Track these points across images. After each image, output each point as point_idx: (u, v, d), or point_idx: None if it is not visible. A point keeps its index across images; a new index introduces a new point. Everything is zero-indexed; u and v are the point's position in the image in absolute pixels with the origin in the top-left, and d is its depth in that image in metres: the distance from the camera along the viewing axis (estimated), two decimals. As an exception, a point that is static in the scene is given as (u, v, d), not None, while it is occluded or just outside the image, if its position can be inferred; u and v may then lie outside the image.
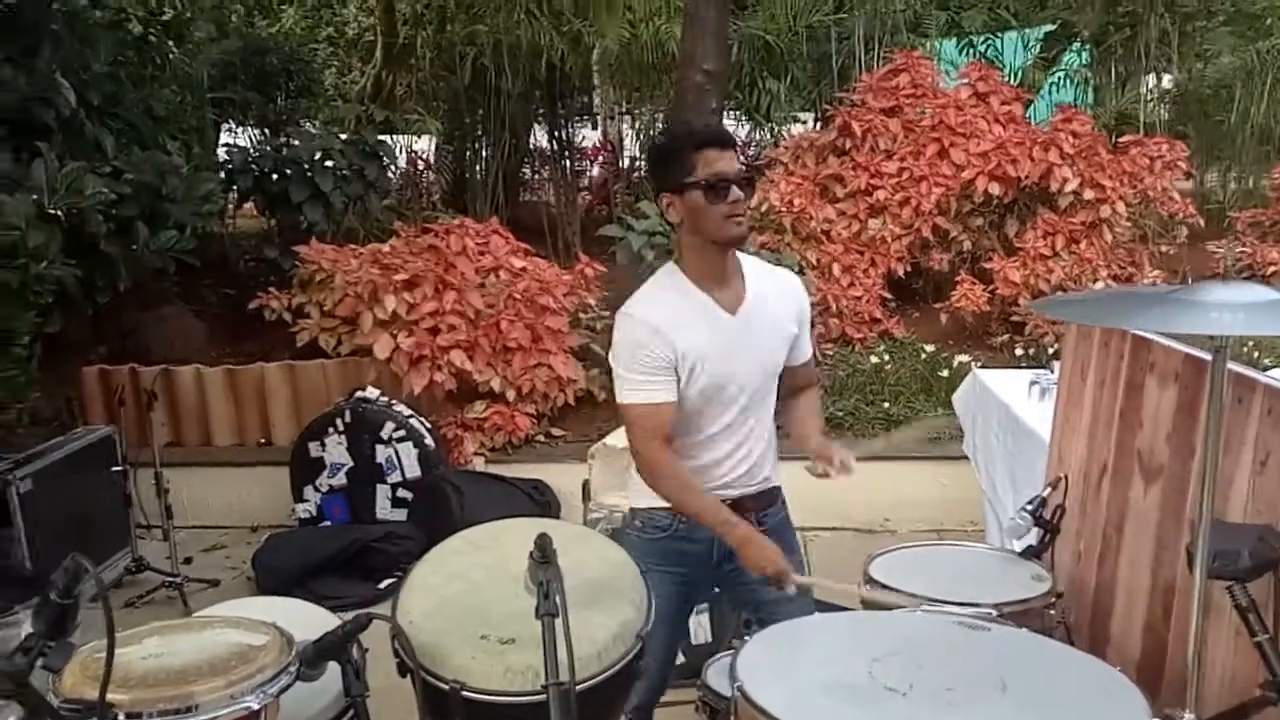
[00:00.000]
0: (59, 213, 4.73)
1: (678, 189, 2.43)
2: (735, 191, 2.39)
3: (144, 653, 1.86)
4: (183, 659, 1.84)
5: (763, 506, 2.64)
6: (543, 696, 1.76)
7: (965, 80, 6.98)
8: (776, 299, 2.58)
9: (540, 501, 5.21)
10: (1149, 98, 8.15)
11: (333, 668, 1.96)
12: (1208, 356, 2.55)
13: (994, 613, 2.53)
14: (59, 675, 1.69)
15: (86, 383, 5.90)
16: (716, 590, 2.87)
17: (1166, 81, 8.61)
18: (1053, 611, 2.66)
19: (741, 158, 2.39)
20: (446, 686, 1.88)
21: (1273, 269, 6.46)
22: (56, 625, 1.56)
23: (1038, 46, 8.43)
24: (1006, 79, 7.51)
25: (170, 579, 4.73)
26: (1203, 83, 8.39)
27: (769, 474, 2.66)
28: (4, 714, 1.67)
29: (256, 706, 1.78)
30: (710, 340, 2.46)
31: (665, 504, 2.52)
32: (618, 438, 2.69)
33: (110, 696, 1.58)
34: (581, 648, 1.82)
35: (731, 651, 2.16)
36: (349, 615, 2.01)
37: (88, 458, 4.90)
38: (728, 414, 2.52)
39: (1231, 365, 2.12)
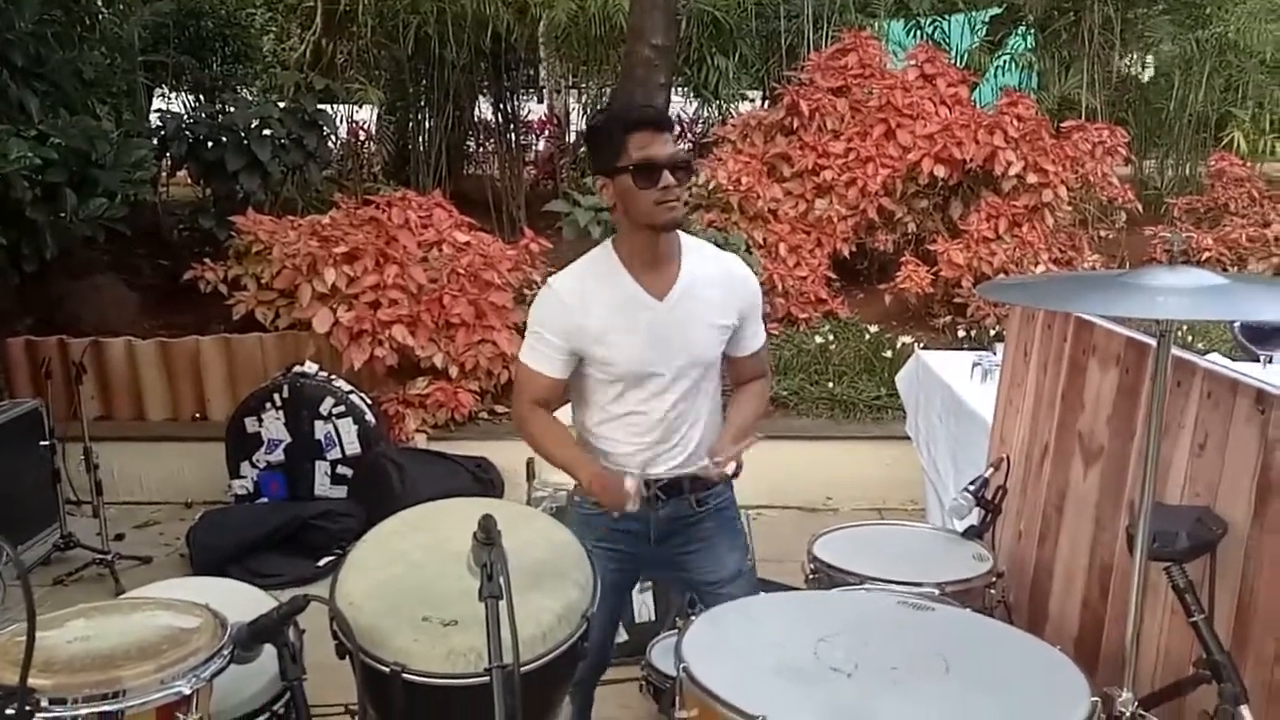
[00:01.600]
0: (-19, 177, 4.56)
1: (609, 171, 2.38)
2: (667, 177, 2.33)
3: (69, 636, 1.79)
4: (110, 642, 1.77)
5: (703, 488, 2.59)
6: (486, 679, 1.73)
7: (912, 62, 7.01)
8: (716, 288, 2.52)
9: (483, 479, 5.16)
10: (1142, 74, 8.19)
11: (269, 649, 1.91)
12: (1150, 340, 2.59)
13: (937, 592, 2.56)
14: (-24, 660, 1.62)
15: (12, 354, 5.70)
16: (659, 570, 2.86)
17: (1150, 65, 8.67)
18: (993, 591, 2.70)
19: (688, 137, 2.36)
20: (387, 669, 1.84)
21: (1207, 255, 6.60)
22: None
23: (984, 29, 8.49)
24: (953, 61, 7.56)
25: (101, 556, 4.60)
26: (1143, 70, 8.53)
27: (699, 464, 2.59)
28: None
29: (188, 691, 1.73)
30: (628, 328, 2.43)
31: None
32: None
33: (32, 681, 1.51)
34: (526, 629, 1.79)
35: (676, 631, 2.14)
36: (285, 595, 1.96)
37: (13, 431, 4.74)
38: (659, 401, 2.49)
39: (1172, 350, 2.14)
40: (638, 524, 2.53)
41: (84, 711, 1.66)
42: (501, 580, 1.73)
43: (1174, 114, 8.25)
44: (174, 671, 1.73)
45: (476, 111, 8.99)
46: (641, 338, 2.44)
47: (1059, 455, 2.96)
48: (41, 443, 4.76)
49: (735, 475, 2.50)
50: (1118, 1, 7.91)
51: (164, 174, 7.01)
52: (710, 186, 6.50)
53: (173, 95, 8.37)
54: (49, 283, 6.04)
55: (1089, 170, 6.55)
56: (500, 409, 5.60)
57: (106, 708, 1.67)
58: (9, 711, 1.50)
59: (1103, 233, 6.97)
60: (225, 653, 1.81)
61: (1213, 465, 2.30)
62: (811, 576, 2.79)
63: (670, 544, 2.61)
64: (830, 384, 5.74)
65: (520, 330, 5.62)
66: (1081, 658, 2.02)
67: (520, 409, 2.56)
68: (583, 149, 9.02)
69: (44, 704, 1.62)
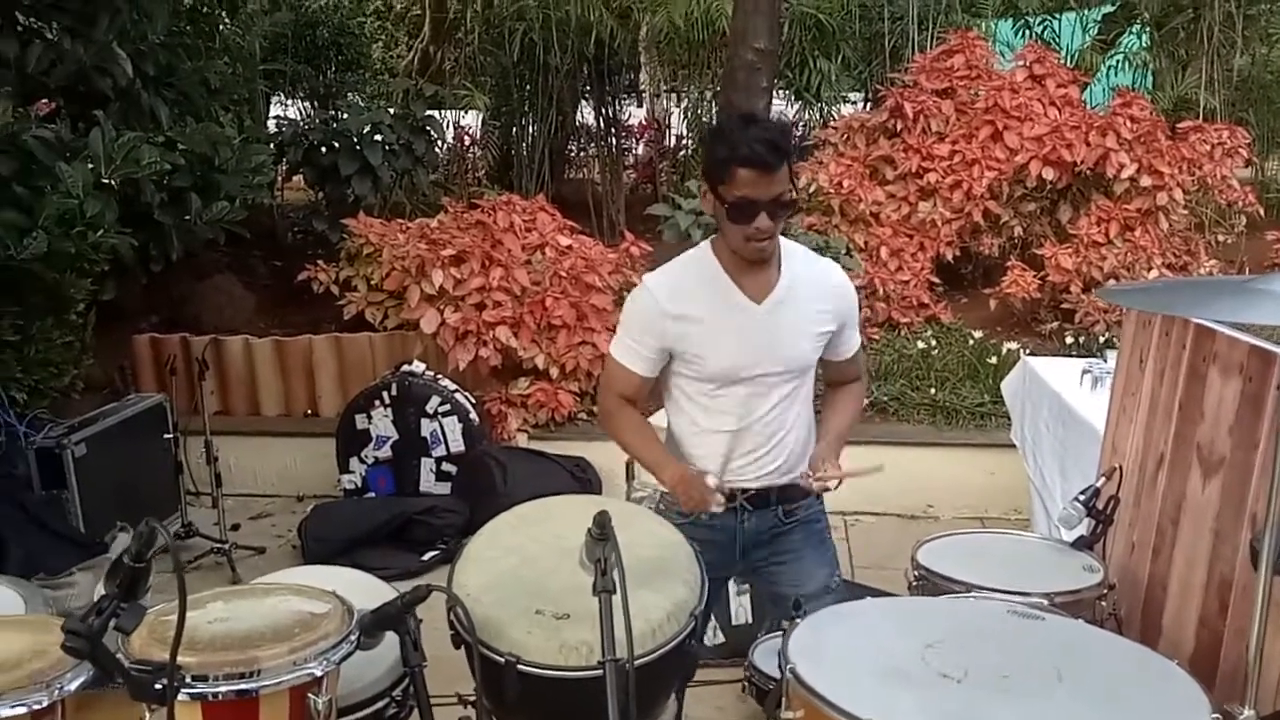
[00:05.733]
0: (114, 182, 4.78)
1: (713, 191, 2.39)
2: (763, 219, 2.32)
3: (209, 617, 1.89)
4: (247, 624, 1.87)
5: (790, 501, 2.58)
6: (597, 672, 1.77)
7: (1021, 62, 6.85)
8: (815, 294, 2.52)
9: (582, 479, 5.23)
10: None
11: (390, 637, 1.98)
12: (1274, 348, 2.50)
13: (1046, 602, 2.52)
14: (128, 637, 1.72)
15: (139, 351, 5.99)
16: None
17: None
18: (1104, 603, 2.64)
19: (790, 174, 2.29)
20: (502, 660, 1.90)
21: (1332, 261, 6.31)
22: (129, 588, 1.60)
23: (1096, 28, 8.25)
24: (1063, 61, 7.36)
25: (219, 545, 4.81)
26: (1266, 68, 8.18)
27: (800, 469, 2.58)
28: (77, 673, 1.71)
29: (319, 673, 1.81)
30: (722, 329, 2.43)
31: None
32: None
33: (178, 659, 1.60)
34: (636, 625, 1.82)
35: (778, 633, 2.15)
36: (401, 586, 2.04)
37: (140, 424, 4.99)
38: (751, 405, 2.48)
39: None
40: (723, 534, 2.52)
41: (223, 689, 1.76)
42: (615, 575, 1.77)
43: (1299, 113, 7.91)
44: (306, 654, 1.81)
45: (578, 116, 9.11)
46: (736, 339, 2.44)
47: (1175, 465, 2.88)
48: (165, 435, 5.00)
49: (824, 486, 2.48)
50: (1239, -3, 7.61)
51: (280, 178, 7.26)
52: (811, 189, 6.47)
53: (289, 102, 8.68)
54: (172, 283, 6.31)
55: (1207, 172, 6.31)
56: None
57: (244, 686, 1.76)
58: (158, 686, 1.60)
59: (1220, 237, 6.72)
60: (353, 638, 1.89)
61: (1343, 479, 2.22)
62: (916, 584, 2.76)
63: (755, 556, 2.59)
64: (932, 390, 5.66)
65: (621, 333, 5.71)
66: (1197, 675, 1.97)
67: (607, 403, 2.58)
68: (682, 153, 9.07)
69: (188, 680, 1.72)
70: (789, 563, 2.61)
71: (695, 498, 2.37)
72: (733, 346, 2.44)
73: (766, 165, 2.30)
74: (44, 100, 5.49)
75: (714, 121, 7.74)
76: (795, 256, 2.53)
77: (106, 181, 4.71)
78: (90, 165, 4.67)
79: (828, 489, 2.48)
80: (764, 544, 2.57)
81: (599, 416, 2.66)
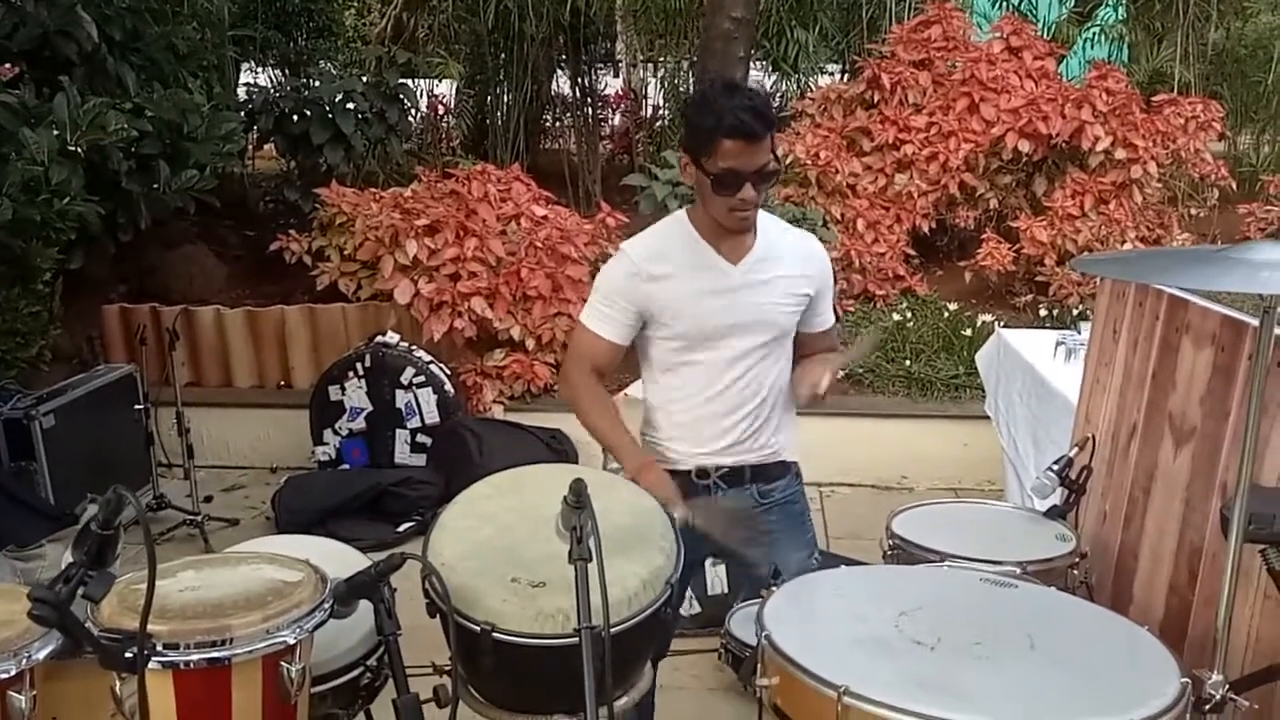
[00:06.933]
0: (80, 149, 4.70)
1: (694, 159, 2.36)
2: (748, 189, 2.31)
3: (180, 585, 1.87)
4: (219, 593, 1.85)
5: (766, 480, 2.58)
6: (573, 640, 1.77)
7: (998, 34, 6.85)
8: (792, 258, 2.52)
9: (558, 450, 5.22)
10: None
11: (364, 605, 1.97)
12: (1246, 318, 2.52)
13: (1018, 571, 2.53)
14: (98, 605, 1.70)
15: (108, 321, 5.92)
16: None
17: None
18: (1076, 572, 2.66)
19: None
20: (478, 628, 1.89)
21: (1303, 234, 6.37)
22: (97, 556, 1.57)
23: (1072, 0, 8.25)
24: (1040, 33, 7.36)
25: (191, 517, 4.78)
26: (1240, 42, 8.21)
27: (777, 446, 2.59)
28: (45, 641, 1.69)
29: (292, 641, 1.80)
30: (702, 288, 2.42)
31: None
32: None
33: (149, 627, 1.59)
34: (613, 593, 1.82)
35: (754, 601, 2.16)
36: (376, 558, 2.03)
37: (109, 395, 4.94)
38: (726, 370, 2.47)
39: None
40: None
41: (195, 657, 1.74)
42: (591, 544, 1.77)
43: (1272, 88, 7.94)
44: (279, 622, 1.80)
45: (554, 86, 9.03)
46: (711, 298, 2.42)
47: (1148, 435, 2.90)
48: (135, 406, 4.95)
49: (821, 399, 2.45)
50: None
51: (250, 147, 7.17)
52: (788, 161, 6.45)
53: (259, 69, 8.55)
54: (141, 252, 6.23)
55: (1181, 146, 6.34)
56: (576, 382, 5.65)
57: (216, 654, 1.74)
58: (128, 655, 1.58)
59: (1193, 211, 6.76)
60: (326, 606, 1.88)
61: (1312, 447, 2.24)
62: (890, 553, 2.77)
63: (731, 537, 2.53)
64: (907, 361, 5.68)
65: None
66: (1166, 641, 1.99)
67: (572, 374, 2.54)
68: (659, 123, 9.02)
69: (159, 648, 1.70)
70: (765, 545, 2.59)
71: (659, 492, 2.32)
72: (707, 304, 2.42)
73: (753, 135, 2.27)
74: (6, 65, 5.38)
75: (693, 92, 7.67)
76: (770, 225, 2.53)
77: (72, 148, 4.65)
78: (55, 131, 4.59)
79: (818, 395, 2.43)
80: (739, 525, 2.52)
81: (561, 387, 2.62)
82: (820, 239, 2.78)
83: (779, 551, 2.61)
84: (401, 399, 5.20)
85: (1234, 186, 6.80)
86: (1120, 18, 8.10)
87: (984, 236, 6.33)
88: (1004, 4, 8.04)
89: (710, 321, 2.44)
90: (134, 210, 5.37)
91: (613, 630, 1.84)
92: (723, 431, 2.51)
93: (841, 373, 2.56)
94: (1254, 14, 8.19)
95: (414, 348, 5.33)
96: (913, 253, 6.54)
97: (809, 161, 6.42)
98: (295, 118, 6.45)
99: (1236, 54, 8.17)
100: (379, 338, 5.36)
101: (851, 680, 1.74)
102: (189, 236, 6.67)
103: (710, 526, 2.36)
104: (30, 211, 4.44)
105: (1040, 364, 4.09)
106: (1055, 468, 2.94)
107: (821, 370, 2.46)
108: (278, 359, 5.94)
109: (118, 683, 1.77)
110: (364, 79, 6.90)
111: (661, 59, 9.05)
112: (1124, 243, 6.10)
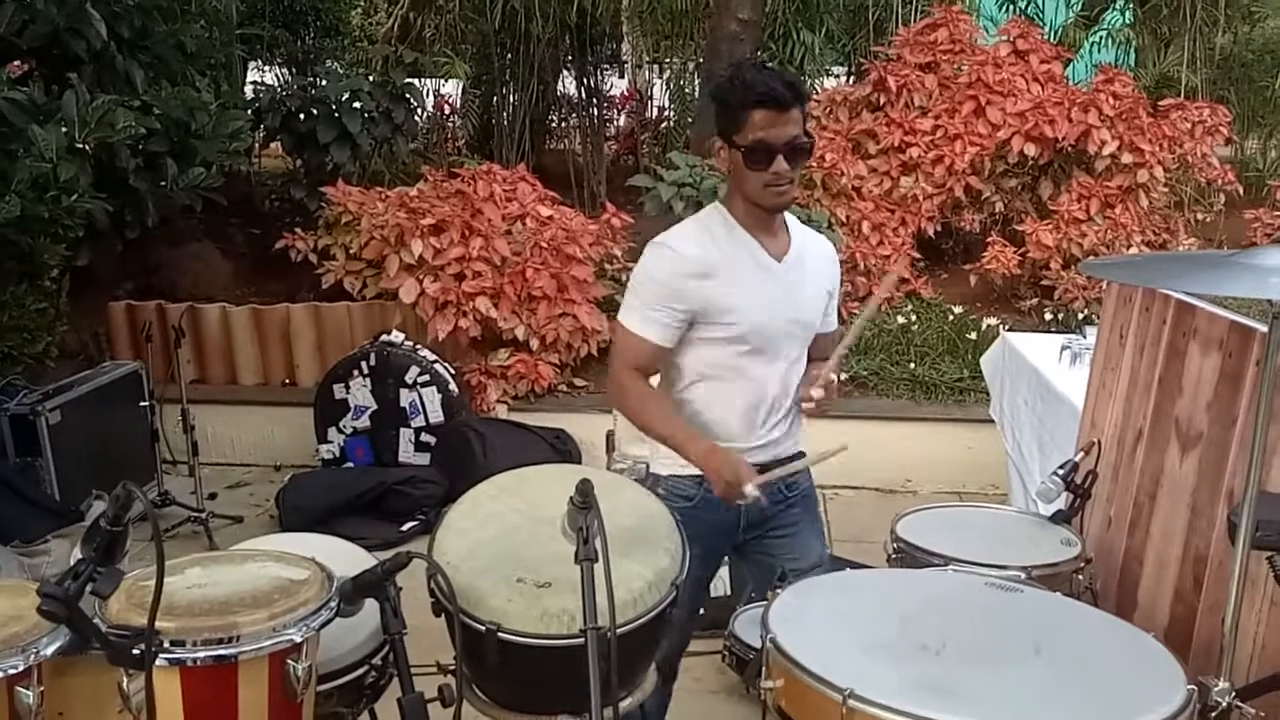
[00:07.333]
0: (88, 146, 4.70)
1: (727, 140, 2.35)
2: (780, 162, 2.27)
3: (187, 583, 1.88)
4: (225, 590, 1.85)
5: (792, 473, 2.54)
6: (578, 640, 1.77)
7: (1005, 37, 6.84)
8: (817, 259, 2.53)
9: (561, 450, 5.23)
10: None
11: (370, 604, 1.97)
12: (1254, 324, 2.52)
13: (1023, 575, 2.53)
14: (106, 601, 1.71)
15: (114, 318, 5.93)
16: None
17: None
18: (1081, 577, 2.66)
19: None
20: (483, 628, 1.89)
21: (1310, 240, 6.36)
22: (106, 552, 1.58)
23: (1079, 4, 8.25)
24: (1047, 37, 7.36)
25: (195, 514, 4.79)
26: (1247, 46, 8.20)
27: (795, 441, 2.58)
28: (54, 637, 1.69)
29: (299, 639, 1.80)
30: (751, 286, 2.37)
31: (691, 471, 2.40)
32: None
33: (157, 624, 1.59)
34: (617, 594, 1.81)
35: (760, 604, 2.16)
36: (380, 556, 2.03)
37: (115, 392, 4.95)
38: (771, 368, 2.44)
39: None
40: (729, 514, 2.44)
41: (202, 654, 1.74)
42: (597, 544, 1.77)
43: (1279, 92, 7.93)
44: (285, 620, 1.80)
45: (560, 86, 9.03)
46: (766, 297, 2.38)
47: (1154, 441, 2.90)
48: (141, 403, 4.96)
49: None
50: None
51: (257, 145, 7.18)
52: (794, 163, 6.44)
53: (267, 68, 8.56)
54: (148, 250, 6.24)
55: (1188, 150, 6.33)
56: (579, 382, 5.66)
57: (223, 651, 1.75)
58: (136, 651, 1.58)
59: (1200, 215, 6.76)
60: (332, 604, 1.88)
61: (1319, 454, 2.24)
62: (894, 556, 2.77)
63: (757, 531, 2.54)
64: (912, 364, 5.68)
65: (601, 305, 5.69)
66: (1171, 648, 1.99)
67: (620, 377, 2.40)
68: (664, 124, 9.02)
69: (166, 645, 1.70)
70: (789, 537, 2.57)
71: (729, 477, 2.25)
72: (763, 303, 2.38)
73: (783, 102, 2.26)
74: (16, 62, 5.38)
75: (703, 88, 7.62)
76: (793, 222, 2.53)
77: (80, 145, 4.64)
78: (64, 129, 4.58)
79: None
80: (767, 519, 2.52)
81: (610, 393, 2.49)
82: (825, 240, 2.79)
83: (800, 542, 2.60)
84: (406, 398, 5.20)
85: (1240, 191, 6.79)
86: (1127, 21, 8.12)
87: (989, 240, 6.32)
88: (1011, 7, 8.05)
89: (765, 321, 2.39)
90: (141, 208, 5.37)
91: (618, 632, 1.84)
92: (763, 429, 2.48)
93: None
94: (1262, 19, 8.18)
95: (419, 347, 5.33)
96: (918, 256, 6.53)
97: (815, 163, 6.41)
98: (302, 116, 6.46)
99: (1244, 58, 8.15)
100: (384, 337, 5.36)
101: (857, 684, 1.75)
102: (195, 234, 6.68)
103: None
104: (38, 208, 4.44)
105: (1045, 368, 4.09)
106: (1060, 472, 2.94)
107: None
108: (283, 357, 5.94)
109: (125, 679, 1.77)
110: (370, 78, 6.91)
111: (667, 60, 9.04)
112: (1130, 247, 6.09)
